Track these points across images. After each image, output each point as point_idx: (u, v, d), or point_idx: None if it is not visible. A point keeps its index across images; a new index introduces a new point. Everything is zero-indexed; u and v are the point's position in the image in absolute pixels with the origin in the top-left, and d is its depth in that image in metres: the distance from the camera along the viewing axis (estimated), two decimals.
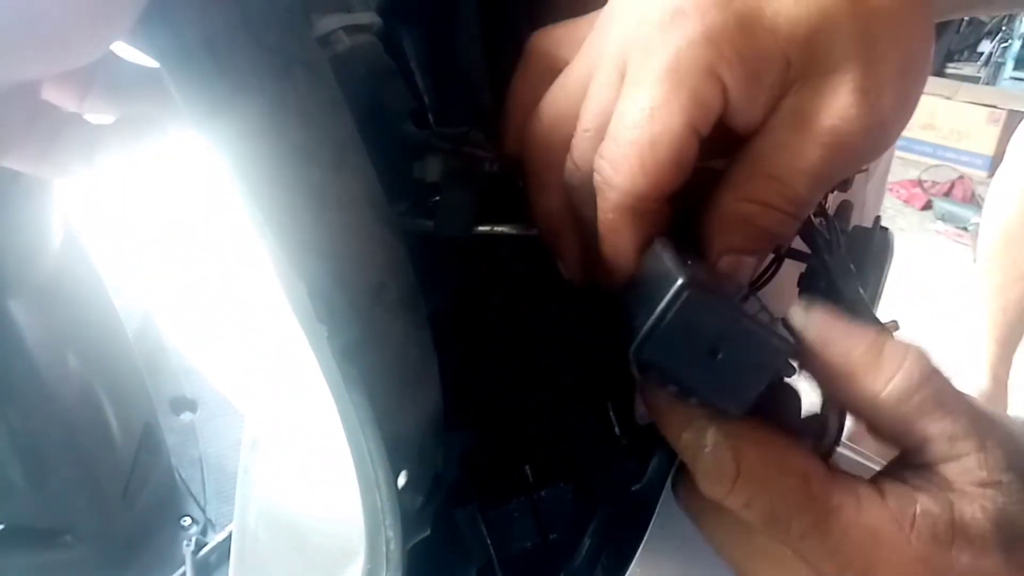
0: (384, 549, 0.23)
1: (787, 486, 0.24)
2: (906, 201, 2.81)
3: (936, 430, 0.24)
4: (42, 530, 0.66)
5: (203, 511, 0.72)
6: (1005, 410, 1.49)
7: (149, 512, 0.71)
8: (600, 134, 0.28)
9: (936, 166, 3.01)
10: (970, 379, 1.49)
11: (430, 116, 0.38)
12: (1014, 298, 1.39)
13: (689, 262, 0.26)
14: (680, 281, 0.22)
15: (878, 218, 0.37)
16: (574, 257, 0.32)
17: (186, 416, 0.79)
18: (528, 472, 0.35)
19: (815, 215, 0.34)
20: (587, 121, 0.29)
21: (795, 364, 0.25)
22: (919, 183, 2.88)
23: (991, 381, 1.47)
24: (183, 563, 0.66)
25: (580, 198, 0.30)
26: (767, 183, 0.26)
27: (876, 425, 0.25)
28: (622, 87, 0.27)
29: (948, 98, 3.07)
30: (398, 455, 0.24)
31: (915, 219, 2.70)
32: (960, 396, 0.25)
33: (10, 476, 0.62)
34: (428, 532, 0.34)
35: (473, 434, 0.35)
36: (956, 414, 0.24)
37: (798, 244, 0.35)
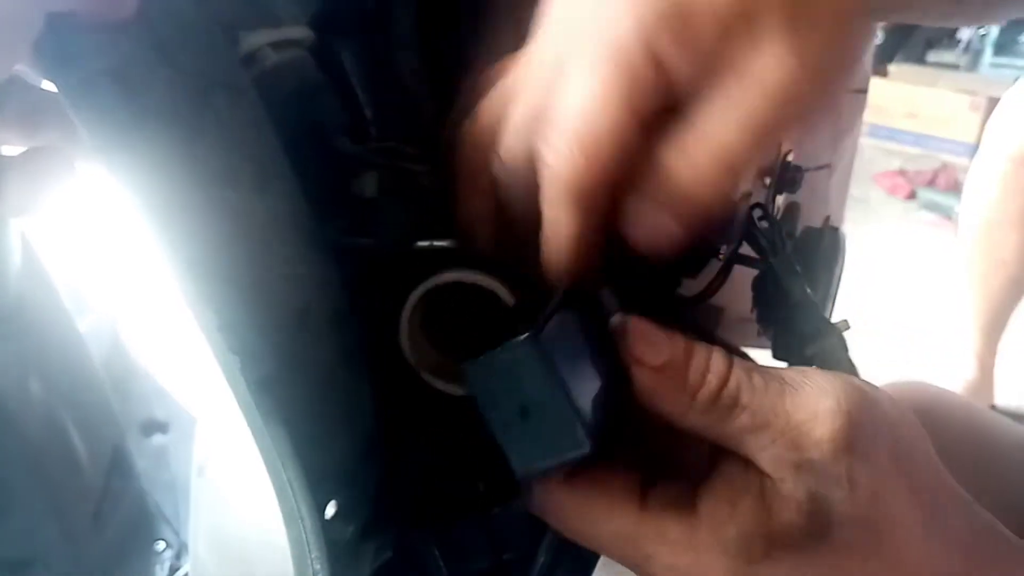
0: None
1: (610, 543, 0.27)
2: (889, 191, 2.81)
3: (738, 426, 0.25)
4: (10, 561, 0.65)
5: (177, 535, 0.71)
6: (991, 398, 1.49)
7: (121, 537, 0.70)
8: (531, 126, 0.28)
9: (919, 155, 3.02)
10: (956, 368, 1.49)
11: (372, 130, 0.37)
12: (997, 286, 1.40)
13: (587, 324, 0.26)
14: (527, 333, 0.23)
15: (827, 218, 0.36)
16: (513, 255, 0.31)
17: (157, 439, 0.78)
18: (481, 488, 0.35)
19: (760, 218, 0.34)
20: (520, 114, 0.28)
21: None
22: (902, 173, 2.89)
23: (977, 369, 1.48)
24: None
25: (509, 196, 0.29)
26: (701, 137, 0.26)
27: (699, 436, 0.26)
28: (560, 77, 0.27)
29: (929, 86, 3.09)
30: (325, 485, 0.23)
31: (899, 209, 2.71)
32: (762, 385, 0.26)
33: None
34: (389, 554, 0.34)
35: (429, 453, 0.34)
36: (754, 407, 0.25)
37: (747, 250, 0.34)
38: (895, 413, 0.27)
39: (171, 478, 0.72)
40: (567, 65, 0.27)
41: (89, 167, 0.25)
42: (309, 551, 0.22)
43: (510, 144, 0.28)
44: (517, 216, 0.29)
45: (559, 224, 0.27)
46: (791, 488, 0.25)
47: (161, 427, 0.73)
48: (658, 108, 0.26)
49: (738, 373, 0.26)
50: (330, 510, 0.24)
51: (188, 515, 0.72)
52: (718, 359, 0.26)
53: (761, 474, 0.26)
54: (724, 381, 0.26)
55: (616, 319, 0.27)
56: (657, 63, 0.25)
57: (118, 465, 0.69)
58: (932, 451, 0.28)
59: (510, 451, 0.24)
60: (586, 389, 0.24)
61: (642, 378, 0.26)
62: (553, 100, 0.27)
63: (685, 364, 0.26)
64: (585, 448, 0.23)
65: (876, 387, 0.28)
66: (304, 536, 0.22)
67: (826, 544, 0.25)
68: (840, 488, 0.25)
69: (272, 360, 0.22)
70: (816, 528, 0.25)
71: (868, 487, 0.25)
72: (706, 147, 0.26)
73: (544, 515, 0.28)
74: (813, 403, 0.26)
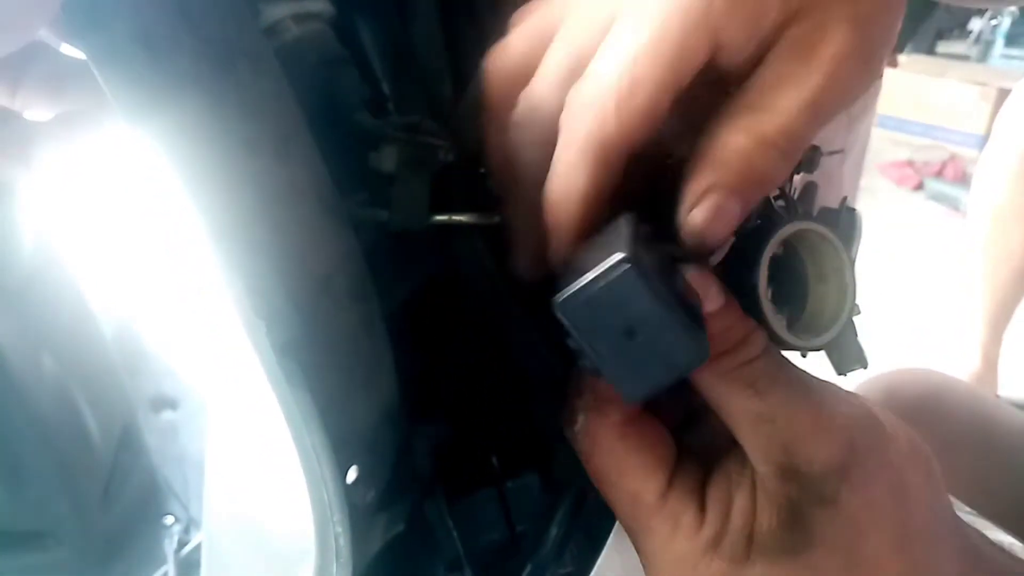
0: (333, 545, 0.23)
1: (618, 498, 0.27)
2: (897, 182, 2.80)
3: (745, 408, 0.25)
4: (21, 533, 0.66)
5: (185, 509, 0.72)
6: (995, 389, 1.49)
7: (130, 512, 0.71)
8: (568, 73, 0.27)
9: (927, 146, 3.01)
10: (961, 358, 1.49)
11: (390, 105, 0.37)
12: (1004, 277, 1.40)
13: (650, 247, 0.25)
14: (622, 255, 0.22)
15: (844, 199, 0.36)
16: (522, 212, 0.31)
17: (167, 414, 0.79)
18: (495, 462, 0.35)
19: (776, 197, 0.34)
20: (557, 55, 0.28)
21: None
22: (910, 163, 2.87)
23: (982, 361, 1.48)
24: (166, 562, 0.66)
25: (526, 137, 0.29)
26: (767, 116, 0.26)
27: (707, 398, 0.27)
28: (609, 26, 0.27)
29: (939, 77, 3.07)
30: (348, 450, 0.24)
31: (906, 199, 2.70)
32: (785, 381, 0.26)
33: None
34: (401, 527, 0.34)
35: (446, 426, 0.35)
36: (768, 397, 0.25)
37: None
38: (909, 455, 0.27)
39: (180, 453, 0.73)
40: (620, 14, 0.26)
41: (116, 132, 0.25)
42: (331, 515, 0.22)
43: (541, 86, 0.28)
44: (528, 160, 0.29)
45: (572, 181, 0.27)
46: (774, 490, 0.25)
47: (171, 403, 0.74)
48: (702, 80, 0.26)
49: (769, 360, 0.26)
50: (351, 475, 0.24)
51: (198, 490, 0.72)
52: (757, 337, 0.26)
53: (753, 470, 0.26)
54: (753, 359, 0.26)
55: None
56: (715, 35, 0.25)
57: (128, 441, 0.70)
58: (943, 502, 0.27)
59: (621, 378, 0.23)
60: (679, 302, 0.24)
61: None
62: (596, 50, 0.26)
63: (727, 324, 0.26)
64: (705, 354, 0.23)
65: (901, 424, 0.27)
66: (327, 499, 0.22)
67: (801, 561, 0.25)
68: (823, 508, 0.24)
69: (297, 325, 0.22)
70: (795, 540, 0.25)
71: (854, 517, 0.25)
72: (773, 127, 0.25)
73: (584, 451, 0.28)
74: (823, 418, 0.25)
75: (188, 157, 0.23)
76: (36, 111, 0.25)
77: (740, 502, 0.26)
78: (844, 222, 0.35)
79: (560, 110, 0.27)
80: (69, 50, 0.25)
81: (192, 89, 0.24)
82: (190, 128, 0.23)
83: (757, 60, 0.26)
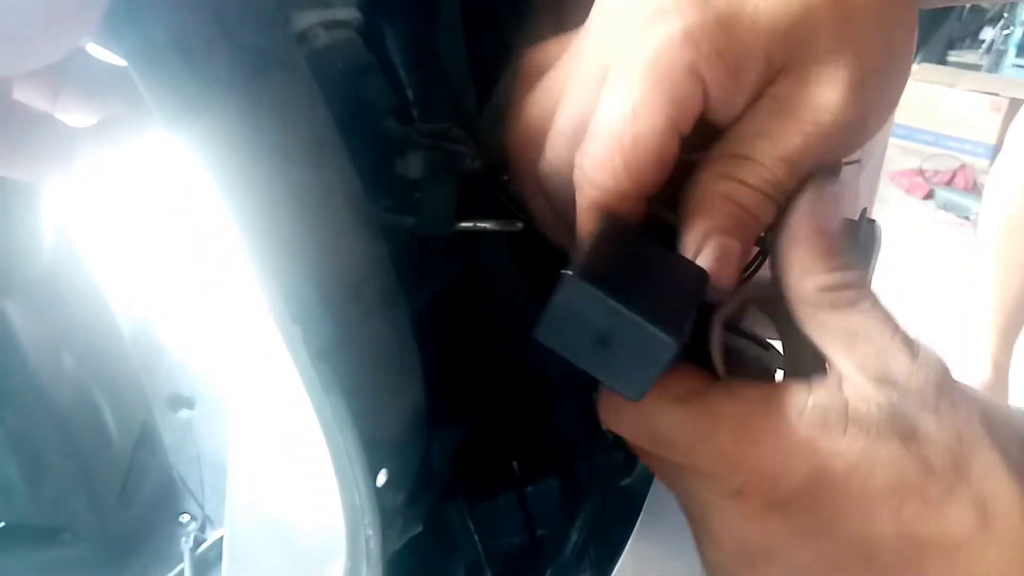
0: (364, 547, 0.23)
1: (658, 412, 0.26)
2: (907, 191, 2.79)
3: (844, 323, 0.25)
4: (40, 528, 0.66)
5: (201, 508, 0.73)
6: (1006, 399, 1.48)
7: (147, 510, 0.71)
8: (575, 133, 0.28)
9: (937, 155, 3.00)
10: (972, 368, 1.48)
11: (414, 112, 0.38)
12: (1015, 287, 1.39)
13: (629, 241, 0.26)
14: (567, 271, 0.23)
15: (864, 210, 0.36)
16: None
17: (184, 413, 0.79)
18: (515, 467, 0.35)
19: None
20: (563, 121, 0.28)
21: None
22: (920, 172, 2.86)
23: (993, 370, 1.47)
24: (182, 560, 0.66)
25: (558, 201, 0.30)
26: (745, 163, 0.26)
27: (791, 309, 0.26)
28: (603, 87, 0.27)
29: (950, 86, 3.06)
30: (378, 454, 0.24)
31: (916, 209, 2.69)
32: (883, 311, 0.26)
33: (7, 475, 0.62)
34: (419, 529, 0.34)
35: (465, 429, 0.35)
36: (868, 315, 0.25)
37: None
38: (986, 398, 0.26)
39: (196, 452, 0.73)
40: (610, 72, 0.27)
41: (156, 138, 0.26)
42: (363, 517, 0.23)
43: (552, 151, 0.29)
44: (569, 218, 0.29)
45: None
46: (871, 392, 0.24)
47: (187, 402, 0.74)
48: (700, 122, 0.26)
49: (868, 289, 0.26)
50: (381, 478, 0.24)
51: (214, 488, 0.73)
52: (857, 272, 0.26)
53: (836, 371, 0.25)
54: (854, 282, 0.26)
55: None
56: (699, 79, 0.25)
57: (146, 439, 0.70)
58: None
59: (617, 382, 0.24)
60: (651, 295, 0.24)
61: (790, 239, 0.26)
62: (597, 106, 0.27)
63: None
64: (673, 345, 0.23)
65: None
66: (359, 502, 0.22)
67: (913, 451, 0.24)
68: (925, 409, 0.24)
69: (332, 330, 0.23)
70: (898, 429, 0.24)
71: (954, 426, 0.24)
72: (754, 175, 0.26)
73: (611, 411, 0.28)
74: (917, 345, 0.25)
75: (225, 162, 0.23)
76: (76, 117, 0.26)
77: (825, 390, 0.25)
78: (864, 234, 0.35)
79: (571, 167, 0.28)
80: (109, 57, 0.25)
81: (228, 95, 0.24)
82: (226, 134, 0.24)
83: (739, 113, 0.27)
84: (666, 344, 0.23)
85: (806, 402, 0.25)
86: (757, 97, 0.27)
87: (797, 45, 0.25)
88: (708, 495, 0.26)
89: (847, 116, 0.26)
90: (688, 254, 0.27)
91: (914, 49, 0.28)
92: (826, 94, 0.25)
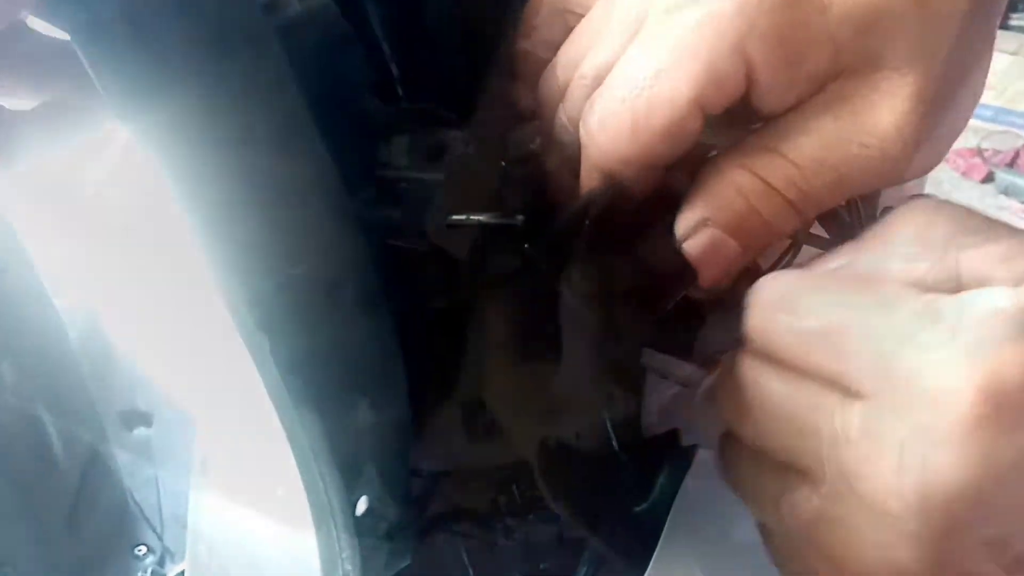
0: None
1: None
2: (964, 173, 2.79)
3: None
4: None
5: (159, 538, 0.73)
6: None
7: (99, 540, 0.71)
8: (595, 84, 0.28)
9: (998, 132, 2.99)
10: None
11: (399, 90, 0.38)
12: None
13: None
14: None
15: (914, 198, 0.36)
16: None
17: (140, 431, 0.80)
18: (516, 493, 0.36)
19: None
20: (586, 68, 0.28)
21: None
22: (979, 152, 2.86)
23: None
24: None
25: (572, 158, 0.30)
26: (778, 161, 0.26)
27: None
28: (635, 35, 0.27)
29: (1012, 54, 3.05)
30: (358, 479, 0.24)
31: (974, 193, 2.69)
32: None
33: None
34: (406, 562, 0.34)
35: (457, 451, 0.35)
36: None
37: (816, 229, 0.35)
38: None
39: (154, 476, 0.73)
40: (648, 21, 0.26)
41: (104, 123, 0.26)
42: (340, 550, 0.23)
43: (570, 101, 0.29)
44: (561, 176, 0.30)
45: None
46: None
47: (144, 419, 0.74)
48: (731, 107, 0.26)
49: None
50: (361, 506, 0.24)
51: (174, 517, 0.73)
52: None
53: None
54: None
55: None
56: (747, 66, 0.25)
57: (96, 461, 0.70)
58: None
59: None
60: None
61: None
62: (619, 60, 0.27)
63: None
64: None
65: None
66: (335, 533, 0.23)
67: None
68: None
69: (302, 339, 0.23)
70: None
71: None
72: (781, 176, 0.26)
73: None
74: None
75: (181, 150, 0.23)
76: (15, 100, 0.26)
77: None
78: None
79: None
80: (51, 31, 0.26)
81: (184, 74, 0.25)
82: (182, 118, 0.24)
83: (791, 105, 0.26)
84: None
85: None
86: (813, 92, 0.26)
87: (871, 42, 0.25)
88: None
89: (914, 134, 0.25)
90: (678, 231, 0.27)
91: (988, 69, 0.28)
92: (896, 105, 0.25)
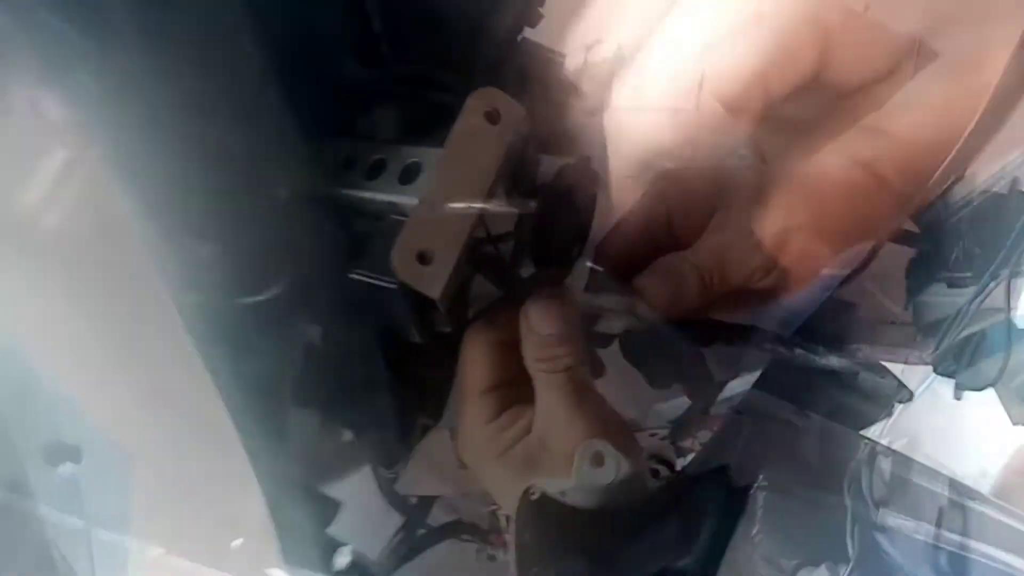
0: None
1: None
2: None
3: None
4: None
5: None
6: None
7: None
8: None
9: None
10: None
11: (384, 49, 0.37)
12: None
13: None
14: None
15: (1015, 180, 0.36)
16: None
17: (67, 468, 0.80)
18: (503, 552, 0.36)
19: None
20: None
21: None
22: None
23: None
24: None
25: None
26: (883, 142, 0.28)
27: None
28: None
29: None
30: (337, 525, 0.24)
31: None
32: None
33: None
34: None
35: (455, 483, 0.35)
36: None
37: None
38: None
39: (84, 522, 0.73)
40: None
41: (33, 88, 0.26)
42: None
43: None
44: None
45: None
46: None
47: (72, 453, 0.74)
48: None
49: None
50: (342, 559, 0.24)
51: (109, 570, 0.73)
52: None
53: None
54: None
55: None
56: (822, 40, 0.28)
57: (13, 504, 0.70)
58: None
59: None
60: None
61: None
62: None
63: None
64: None
65: None
66: None
67: None
68: None
69: (267, 350, 0.23)
70: None
71: None
72: (886, 155, 0.28)
73: None
74: None
75: (120, 118, 0.23)
76: None
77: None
78: (1014, 210, 0.36)
79: None
80: None
81: (130, 42, 0.24)
82: (123, 81, 0.24)
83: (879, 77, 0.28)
84: None
85: None
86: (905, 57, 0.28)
87: None
88: None
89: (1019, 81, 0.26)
90: (759, 241, 0.29)
91: None
92: (1001, 56, 0.26)
